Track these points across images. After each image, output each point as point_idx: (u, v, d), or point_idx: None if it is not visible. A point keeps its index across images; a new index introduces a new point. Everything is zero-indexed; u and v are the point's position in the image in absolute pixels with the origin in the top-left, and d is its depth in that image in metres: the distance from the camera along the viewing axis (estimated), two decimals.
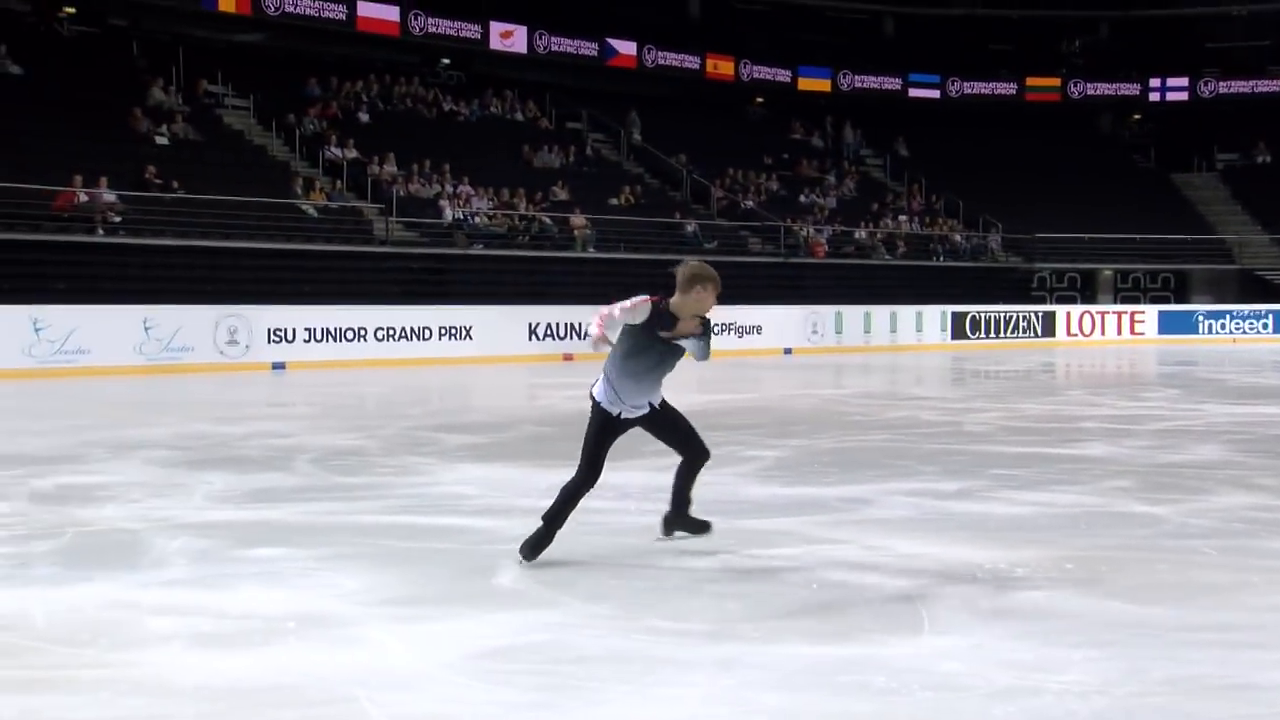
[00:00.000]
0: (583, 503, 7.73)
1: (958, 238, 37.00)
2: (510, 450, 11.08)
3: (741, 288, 31.66)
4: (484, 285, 26.87)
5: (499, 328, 25.09)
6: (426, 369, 22.80)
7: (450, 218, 27.78)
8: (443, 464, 10.11)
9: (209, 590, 5.90)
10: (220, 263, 23.83)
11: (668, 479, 7.58)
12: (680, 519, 6.84)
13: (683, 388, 19.80)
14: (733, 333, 28.22)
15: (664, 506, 7.35)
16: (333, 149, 28.30)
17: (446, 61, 34.83)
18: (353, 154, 28.36)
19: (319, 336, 22.78)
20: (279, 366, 22.02)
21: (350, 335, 23.15)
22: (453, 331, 24.40)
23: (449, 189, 28.63)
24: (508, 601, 5.68)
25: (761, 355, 27.95)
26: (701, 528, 6.90)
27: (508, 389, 19.66)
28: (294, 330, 22.46)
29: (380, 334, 23.47)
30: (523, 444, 11.71)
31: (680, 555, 6.59)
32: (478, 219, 28.32)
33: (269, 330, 22.16)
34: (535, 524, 6.69)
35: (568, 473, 9.56)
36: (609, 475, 7.94)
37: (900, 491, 8.62)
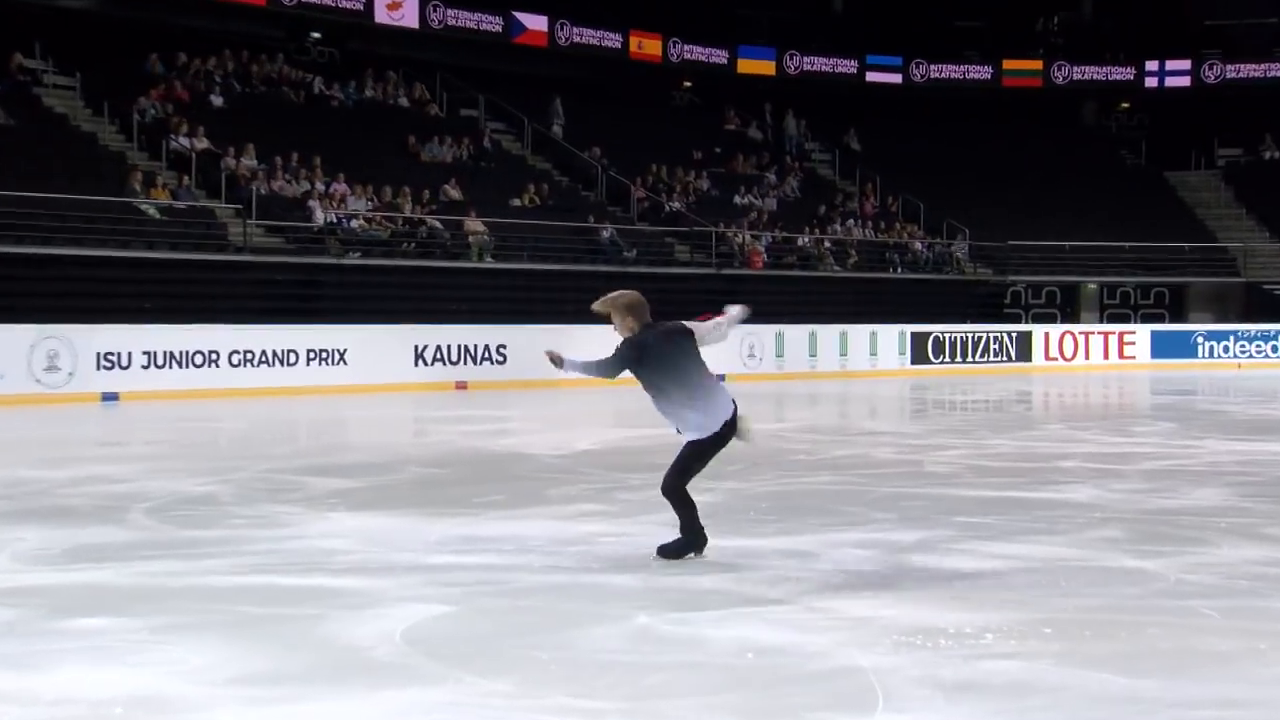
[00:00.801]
0: (477, 559, 7.68)
1: (918, 246, 37.49)
2: (392, 496, 11.00)
3: (665, 303, 31.69)
4: (362, 301, 26.72)
5: (379, 351, 24.95)
6: (292, 400, 22.59)
7: (322, 221, 27.60)
8: (311, 513, 10.02)
9: (18, 671, 5.76)
10: (38, 274, 23.44)
11: (577, 529, 7.53)
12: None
13: (597, 421, 19.71)
14: None
15: (572, 562, 7.34)
16: (179, 138, 28.01)
17: (317, 36, 34.66)
18: (203, 144, 28.08)
19: (161, 362, 22.47)
20: (111, 398, 21.70)
21: (200, 360, 22.88)
22: (324, 355, 24.23)
23: (320, 187, 28.46)
24: (387, 678, 5.62)
25: None
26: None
27: (390, 423, 19.52)
28: (130, 354, 22.15)
29: (236, 358, 23.23)
30: (407, 489, 11.63)
31: (592, 621, 6.57)
32: (354, 223, 28.18)
33: (99, 354, 21.82)
34: (421, 585, 6.65)
35: (462, 522, 9.55)
36: (505, 526, 7.88)
37: (850, 543, 8.67)
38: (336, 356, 24.35)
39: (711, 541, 8.15)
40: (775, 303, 32.51)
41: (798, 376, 30.01)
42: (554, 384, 25.61)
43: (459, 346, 25.87)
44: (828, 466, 13.14)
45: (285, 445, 16.52)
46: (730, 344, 29.71)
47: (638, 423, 17.53)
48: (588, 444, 15.36)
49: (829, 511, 10.13)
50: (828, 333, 31.40)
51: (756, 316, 34.26)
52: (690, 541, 7.92)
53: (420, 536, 8.92)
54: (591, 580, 7.52)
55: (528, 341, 26.58)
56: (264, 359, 23.58)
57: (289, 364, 23.84)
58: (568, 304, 30.26)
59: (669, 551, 7.92)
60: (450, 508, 10.31)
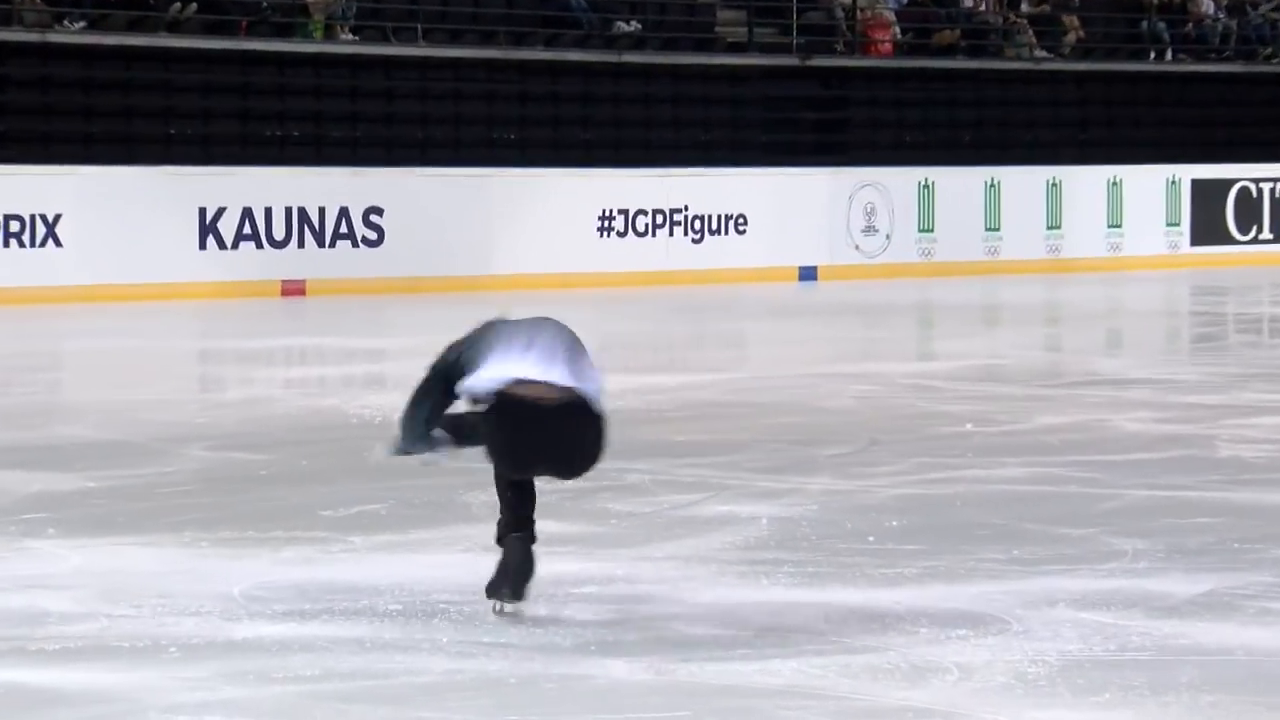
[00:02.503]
0: (328, 630, 7.76)
1: (1207, 8, 37.35)
2: (158, 508, 11.06)
3: (700, 131, 31.57)
4: (91, 120, 26.66)
5: (129, 218, 24.91)
6: None
7: None
8: None
9: None
10: None
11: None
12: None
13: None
14: (685, 230, 28.31)
15: (518, 636, 7.41)
16: None
17: None
18: None
19: None
20: None
21: None
22: (18, 228, 24.20)
23: None
24: None
25: (752, 280, 28.11)
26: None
27: (152, 362, 19.61)
28: None
29: None
30: (188, 492, 11.69)
31: None
32: None
33: None
34: (216, 680, 6.68)
35: (299, 557, 9.56)
36: (384, 564, 7.94)
37: (1067, 596, 8.68)
38: (41, 229, 24.34)
39: (794, 593, 8.15)
40: (916, 125, 32.47)
41: (958, 269, 30.03)
42: (478, 285, 25.63)
43: (288, 210, 25.88)
44: (1020, 447, 13.23)
45: None
46: (827, 205, 29.69)
47: (656, 362, 17.48)
48: None
49: (1023, 535, 10.19)
50: (1021, 182, 31.41)
51: (878, 153, 34.31)
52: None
53: (214, 584, 8.94)
54: (558, 671, 7.53)
55: (425, 201, 26.62)
56: None
57: None
58: (503, 126, 30.20)
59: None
60: (274, 528, 10.34)
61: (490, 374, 8.16)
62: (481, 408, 8.25)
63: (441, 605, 8.48)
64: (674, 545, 9.51)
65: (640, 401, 14.90)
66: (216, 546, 9.87)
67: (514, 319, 8.44)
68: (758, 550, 9.79)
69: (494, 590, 8.23)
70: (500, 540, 8.34)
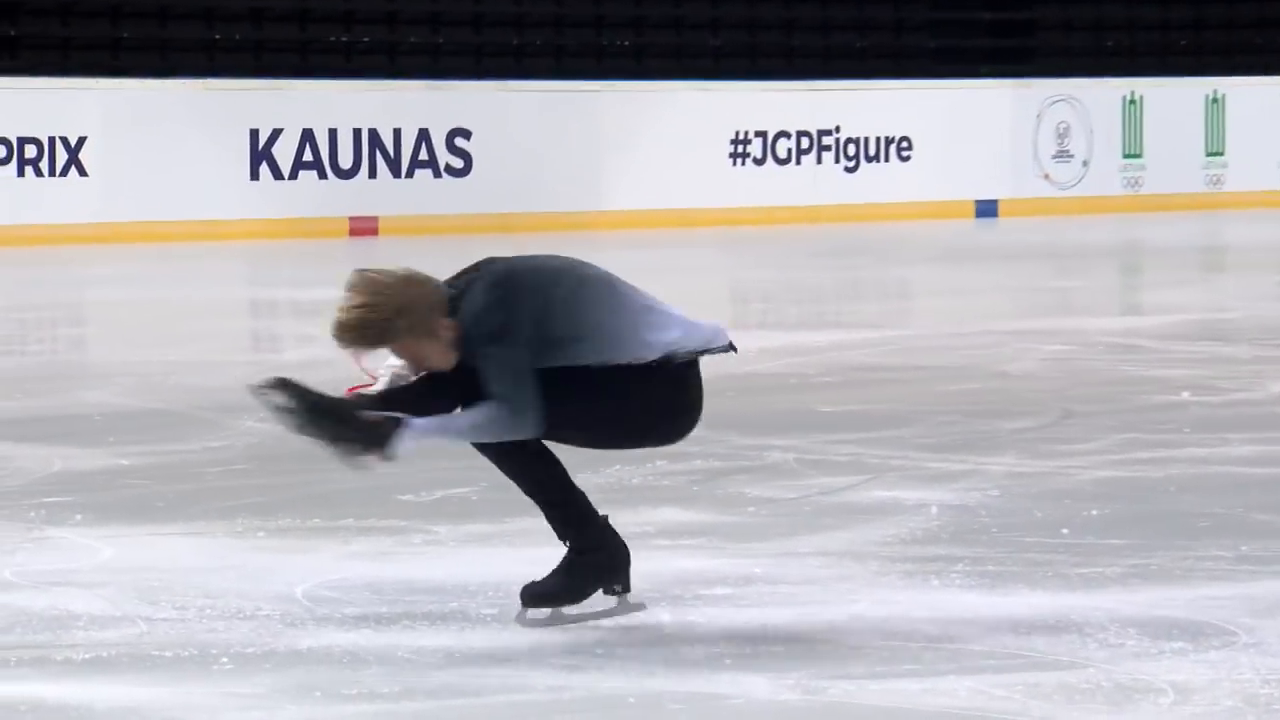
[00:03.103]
0: (408, 639, 7.82)
1: None
2: (202, 491, 11.18)
3: (855, 36, 31.57)
4: (122, 25, 26.79)
5: (165, 141, 25.01)
6: None
7: None
8: (11, 528, 10.17)
9: None
10: None
11: (648, 569, 7.65)
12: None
13: (717, 310, 19.83)
14: (837, 157, 28.30)
15: (632, 643, 7.45)
16: None
17: None
18: None
19: None
20: None
21: None
22: (38, 154, 24.32)
23: None
24: None
25: (918, 217, 28.13)
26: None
27: (199, 315, 19.76)
28: None
29: None
30: (238, 474, 11.84)
31: None
32: None
33: None
34: (276, 695, 6.78)
35: (371, 549, 9.61)
36: (475, 560, 8.01)
37: None
38: (62, 155, 24.49)
39: (970, 598, 8.18)
40: (1121, 26, 32.36)
41: (1171, 203, 29.91)
42: (583, 223, 25.70)
43: (356, 133, 25.97)
44: (1248, 420, 13.20)
45: None
46: (1008, 125, 29.54)
47: (804, 316, 17.50)
48: None
49: (1253, 528, 10.16)
50: (1250, 96, 31.24)
51: (1075, 62, 34.18)
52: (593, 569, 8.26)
53: (272, 583, 9.02)
54: (685, 689, 7.53)
55: (520, 122, 26.69)
56: None
57: None
58: (614, 31, 30.19)
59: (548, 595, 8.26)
60: (343, 516, 10.43)
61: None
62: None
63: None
64: (824, 538, 9.54)
65: (782, 365, 14.95)
66: (274, 537, 9.96)
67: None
68: (926, 545, 9.80)
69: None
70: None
